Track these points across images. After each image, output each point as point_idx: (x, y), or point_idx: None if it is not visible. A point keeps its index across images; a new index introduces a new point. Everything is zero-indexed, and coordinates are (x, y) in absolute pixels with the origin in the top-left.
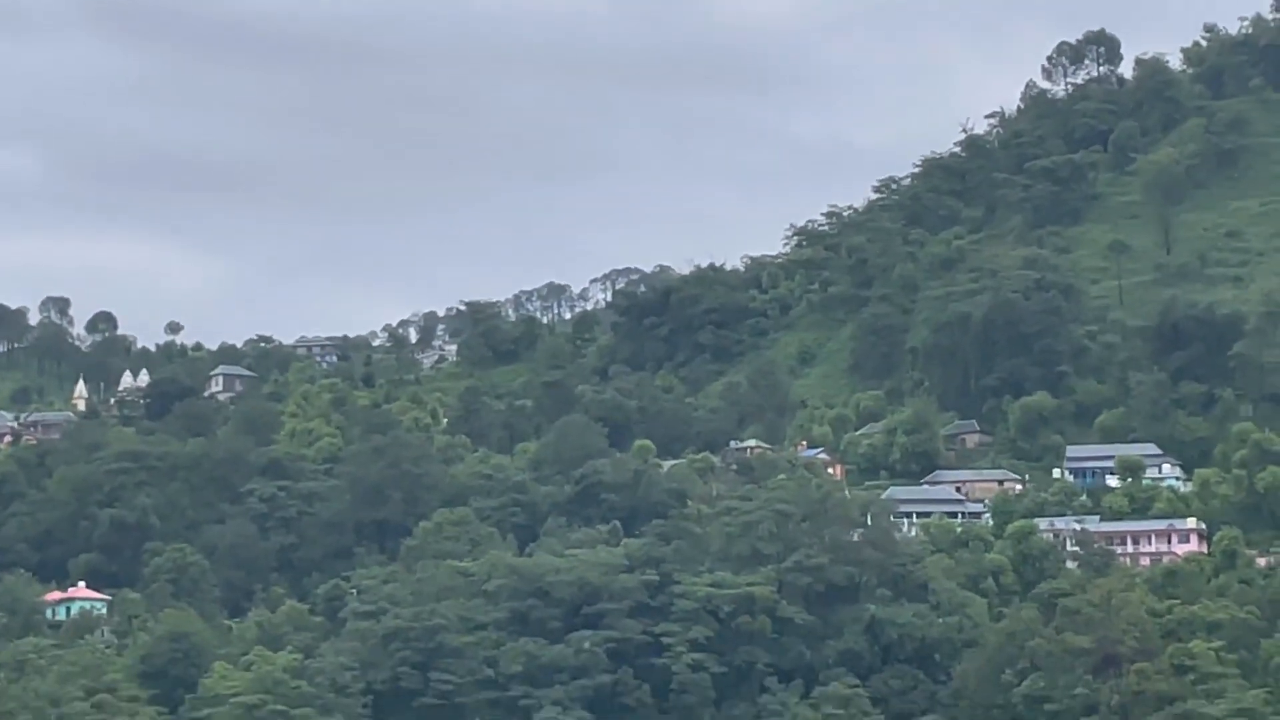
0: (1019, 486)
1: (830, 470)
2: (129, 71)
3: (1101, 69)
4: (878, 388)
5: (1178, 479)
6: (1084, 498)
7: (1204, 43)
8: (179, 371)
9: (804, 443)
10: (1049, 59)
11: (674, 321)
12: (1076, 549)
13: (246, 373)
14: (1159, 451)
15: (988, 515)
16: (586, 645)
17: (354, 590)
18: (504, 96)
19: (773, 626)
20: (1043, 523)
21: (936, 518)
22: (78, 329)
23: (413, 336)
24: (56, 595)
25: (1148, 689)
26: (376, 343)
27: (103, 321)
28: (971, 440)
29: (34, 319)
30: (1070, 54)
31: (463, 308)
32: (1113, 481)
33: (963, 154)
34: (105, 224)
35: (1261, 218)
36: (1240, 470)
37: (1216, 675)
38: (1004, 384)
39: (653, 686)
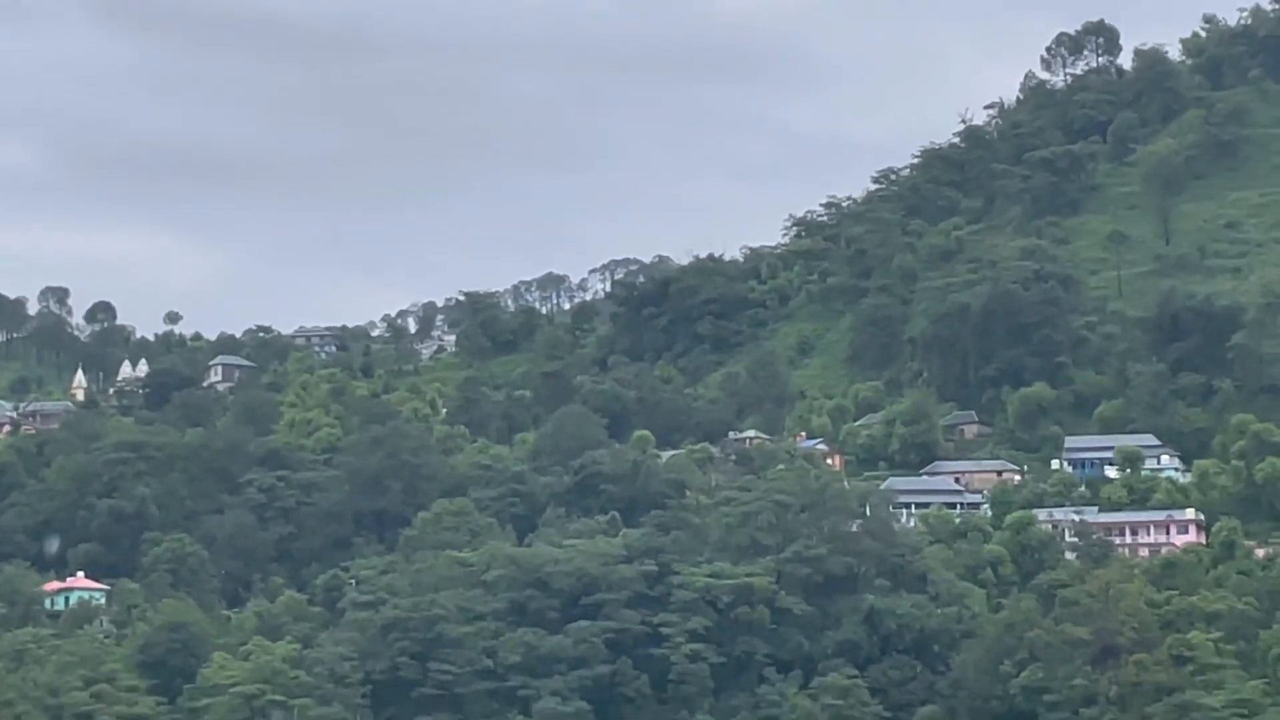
0: (1018, 477)
1: (829, 461)
2: (128, 62)
3: (1100, 60)
4: (877, 378)
5: (1176, 470)
6: (1083, 488)
7: (1203, 33)
8: (178, 361)
9: (803, 433)
10: (1048, 50)
11: (673, 312)
12: (1075, 540)
13: (245, 363)
14: (1158, 442)
15: (986, 506)
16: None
17: (353, 580)
18: (503, 87)
19: (771, 617)
20: (1041, 513)
21: (935, 508)
22: (76, 319)
23: (412, 327)
24: (55, 585)
25: (1146, 680)
26: (375, 333)
27: (101, 311)
28: (970, 431)
29: (33, 309)
30: (1069, 45)
31: (462, 298)
32: (1111, 472)
33: (962, 145)
34: (104, 214)
35: (1261, 209)
36: (1239, 461)
37: (1215, 666)
38: (1003, 375)
39: (651, 677)
